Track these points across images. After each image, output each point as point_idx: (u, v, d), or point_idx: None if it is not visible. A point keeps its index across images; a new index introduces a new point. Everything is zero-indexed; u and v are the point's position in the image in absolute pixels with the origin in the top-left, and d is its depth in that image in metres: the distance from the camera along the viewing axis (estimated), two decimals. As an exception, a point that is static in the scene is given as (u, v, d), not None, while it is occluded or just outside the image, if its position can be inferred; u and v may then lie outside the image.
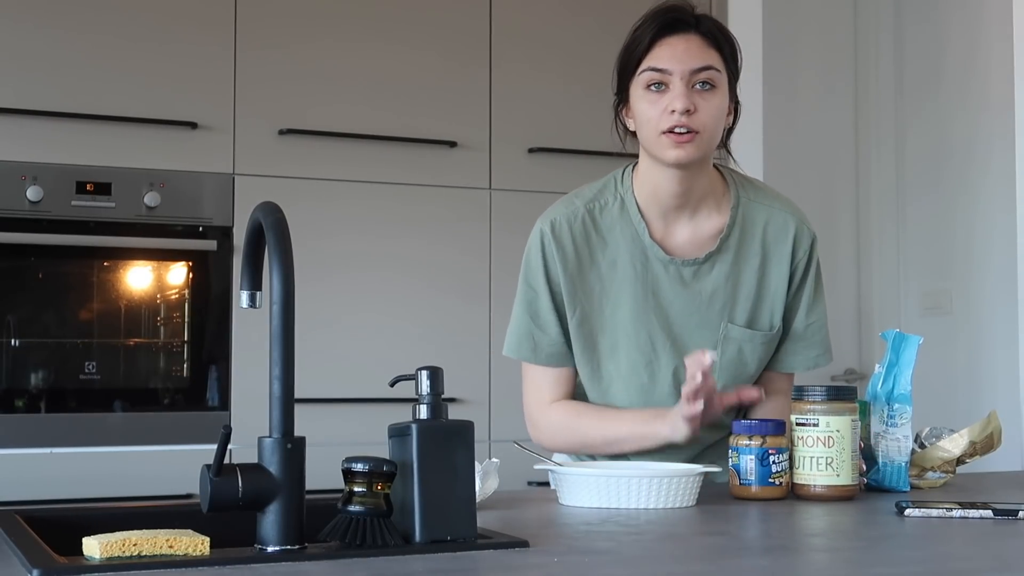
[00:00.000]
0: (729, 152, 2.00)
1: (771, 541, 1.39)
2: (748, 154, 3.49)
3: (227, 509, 1.17)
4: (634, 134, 1.94)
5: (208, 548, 1.15)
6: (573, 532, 1.40)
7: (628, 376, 1.96)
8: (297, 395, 1.22)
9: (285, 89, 3.24)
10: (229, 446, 1.19)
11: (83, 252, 3.09)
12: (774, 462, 1.69)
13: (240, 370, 3.13)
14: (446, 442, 1.24)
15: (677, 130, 1.83)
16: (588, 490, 1.59)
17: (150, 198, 3.09)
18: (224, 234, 3.15)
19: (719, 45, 1.89)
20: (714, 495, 1.71)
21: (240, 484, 1.17)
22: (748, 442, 1.70)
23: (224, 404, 3.13)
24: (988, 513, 1.48)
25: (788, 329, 2.00)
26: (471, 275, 3.38)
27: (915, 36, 4.23)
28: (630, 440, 1.93)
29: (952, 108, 4.06)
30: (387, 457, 1.24)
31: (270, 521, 1.17)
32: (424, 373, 1.29)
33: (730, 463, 1.72)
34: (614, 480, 1.58)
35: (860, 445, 1.76)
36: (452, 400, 3.01)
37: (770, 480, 1.69)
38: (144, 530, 1.15)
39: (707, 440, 1.99)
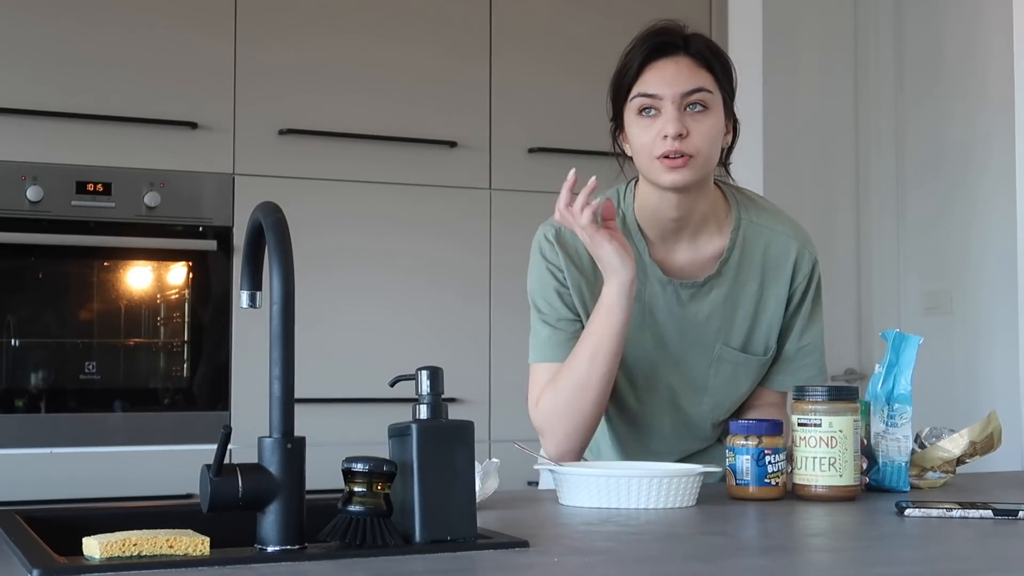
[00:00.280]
0: (728, 171, 1.99)
1: (771, 541, 1.39)
2: (748, 154, 3.49)
3: (227, 509, 1.17)
4: (631, 158, 1.93)
5: (208, 548, 1.15)
6: (573, 532, 1.40)
7: (622, 391, 1.96)
8: (297, 395, 1.22)
9: (285, 89, 3.24)
10: (229, 446, 1.19)
11: (83, 252, 3.09)
12: (770, 462, 1.69)
13: (240, 370, 3.13)
14: (446, 442, 1.24)
15: (671, 155, 1.82)
16: (588, 490, 1.59)
17: (150, 198, 3.09)
18: (224, 234, 3.15)
19: (710, 65, 1.87)
20: (714, 495, 1.71)
21: (240, 484, 1.17)
22: (744, 442, 1.70)
23: (224, 404, 3.13)
24: (988, 513, 1.48)
25: (780, 350, 1.99)
26: (471, 275, 3.38)
27: (915, 34, 4.23)
28: (598, 334, 1.84)
29: (952, 106, 4.06)
30: (387, 457, 1.24)
31: (270, 521, 1.17)
32: (424, 373, 1.29)
33: (727, 463, 1.72)
34: (614, 480, 1.58)
35: (862, 443, 1.76)
36: (452, 400, 3.01)
37: (767, 480, 1.69)
38: (144, 530, 1.15)
39: (689, 450, 2.00)
